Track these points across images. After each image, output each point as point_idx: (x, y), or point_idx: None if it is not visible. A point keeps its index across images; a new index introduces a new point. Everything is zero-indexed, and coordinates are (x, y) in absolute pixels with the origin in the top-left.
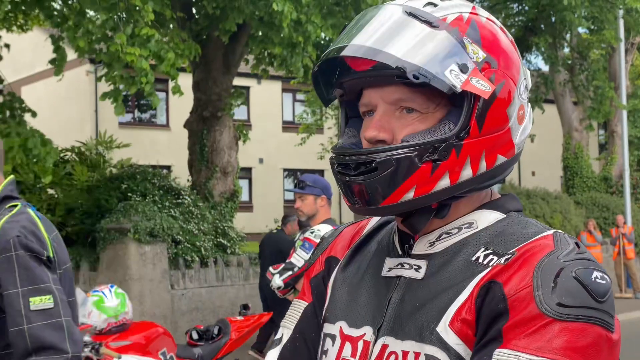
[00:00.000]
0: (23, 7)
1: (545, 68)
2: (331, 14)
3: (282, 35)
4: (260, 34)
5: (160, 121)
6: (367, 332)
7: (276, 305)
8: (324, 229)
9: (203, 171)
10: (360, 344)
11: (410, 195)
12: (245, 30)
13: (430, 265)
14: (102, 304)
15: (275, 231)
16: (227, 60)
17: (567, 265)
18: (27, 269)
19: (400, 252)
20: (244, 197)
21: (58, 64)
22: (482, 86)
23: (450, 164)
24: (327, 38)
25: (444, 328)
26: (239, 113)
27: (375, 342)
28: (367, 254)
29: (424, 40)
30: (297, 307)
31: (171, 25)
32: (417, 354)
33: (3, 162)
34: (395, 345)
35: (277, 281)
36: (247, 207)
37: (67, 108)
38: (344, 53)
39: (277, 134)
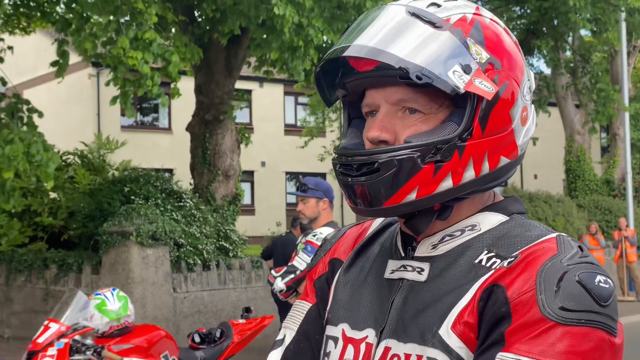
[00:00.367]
0: (26, 10)
1: (547, 71)
2: (333, 18)
3: (282, 39)
4: (262, 37)
5: (163, 124)
6: (370, 334)
7: (289, 308)
8: (326, 232)
9: (205, 174)
10: (362, 347)
11: (412, 196)
12: (247, 34)
13: (433, 267)
14: (104, 307)
15: (284, 234)
16: (229, 64)
17: (570, 269)
18: None
19: (403, 255)
20: (246, 200)
21: (60, 67)
22: (485, 87)
23: (453, 165)
24: (329, 41)
25: (446, 331)
26: (241, 116)
27: (377, 344)
28: (370, 255)
29: (427, 40)
30: (300, 308)
31: (173, 29)
32: (419, 357)
33: None
34: (398, 347)
35: (280, 284)
36: (249, 210)
37: (69, 111)
38: (346, 53)
39: (279, 137)
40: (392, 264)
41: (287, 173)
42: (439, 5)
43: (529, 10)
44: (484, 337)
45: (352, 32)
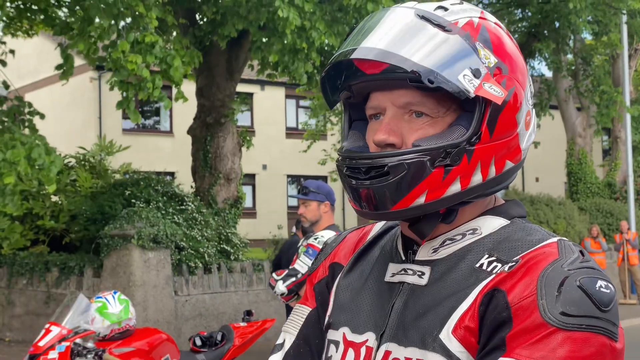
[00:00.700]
0: (28, 14)
1: (548, 74)
2: (334, 21)
3: (285, 42)
4: (262, 40)
5: (164, 127)
6: (370, 338)
7: None
8: (327, 235)
9: (206, 177)
10: (363, 350)
11: (421, 200)
12: (248, 37)
13: (433, 271)
14: (106, 310)
15: (290, 238)
16: (231, 67)
17: (571, 274)
18: None
19: (403, 258)
20: (248, 203)
21: (66, 71)
22: (494, 92)
23: (461, 169)
24: (330, 44)
25: (446, 335)
26: (243, 119)
27: (378, 348)
28: (370, 259)
29: (437, 44)
30: (300, 313)
31: (174, 33)
32: None
33: None
34: (398, 351)
35: (281, 287)
36: (251, 213)
37: (70, 115)
38: (354, 56)
39: (280, 140)
40: (392, 268)
41: (288, 176)
42: (446, 9)
43: (530, 13)
44: (485, 342)
45: (358, 34)
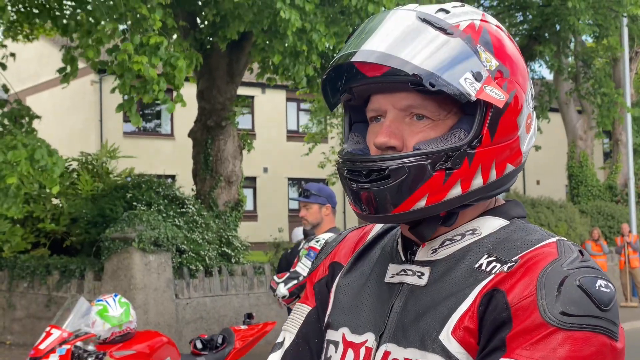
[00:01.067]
0: (34, 19)
1: (549, 77)
2: (335, 23)
3: (286, 44)
4: (264, 42)
5: (165, 130)
6: (369, 338)
7: None
8: (328, 238)
9: (207, 180)
10: (362, 351)
11: (422, 203)
12: (249, 39)
13: (433, 272)
14: (106, 313)
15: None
16: (231, 70)
17: (571, 273)
18: None
19: (403, 259)
20: (249, 206)
21: (69, 73)
22: (496, 95)
23: (462, 173)
24: (330, 47)
25: (446, 336)
26: (243, 122)
27: (377, 348)
28: (370, 259)
29: (438, 47)
30: (300, 312)
31: (175, 35)
32: None
33: None
34: (398, 352)
35: (282, 290)
36: (252, 216)
37: (71, 118)
38: (355, 58)
39: (281, 143)
40: (392, 268)
41: (289, 179)
42: (447, 12)
43: (530, 16)
44: (485, 342)
45: (359, 37)
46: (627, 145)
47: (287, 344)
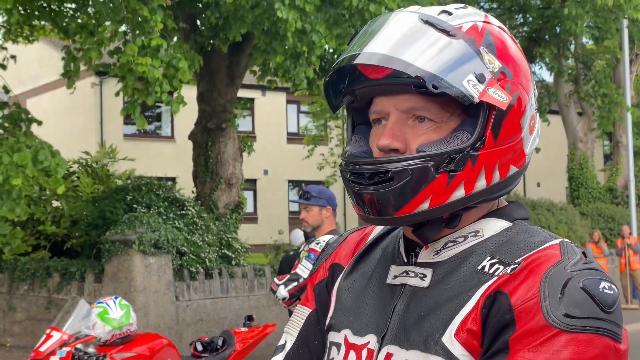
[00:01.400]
0: (36, 20)
1: (549, 79)
2: (336, 24)
3: (286, 45)
4: (264, 44)
5: (165, 133)
6: (371, 340)
7: None
8: (329, 240)
9: (208, 183)
10: (364, 353)
11: (425, 205)
12: (249, 41)
13: (435, 273)
14: (107, 316)
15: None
16: (232, 72)
17: (574, 275)
18: None
19: (405, 260)
20: (249, 208)
21: (72, 75)
22: (499, 97)
23: (465, 175)
24: (330, 50)
25: (449, 338)
26: (244, 124)
27: (379, 350)
28: (372, 261)
29: (441, 49)
30: (301, 314)
31: (175, 38)
32: None
33: None
34: (400, 354)
35: (282, 292)
36: (252, 218)
37: (72, 120)
38: (357, 61)
39: (281, 145)
40: (394, 270)
41: (289, 181)
42: (450, 13)
43: (531, 18)
44: (488, 344)
45: (362, 39)
46: (627, 147)
47: (288, 346)
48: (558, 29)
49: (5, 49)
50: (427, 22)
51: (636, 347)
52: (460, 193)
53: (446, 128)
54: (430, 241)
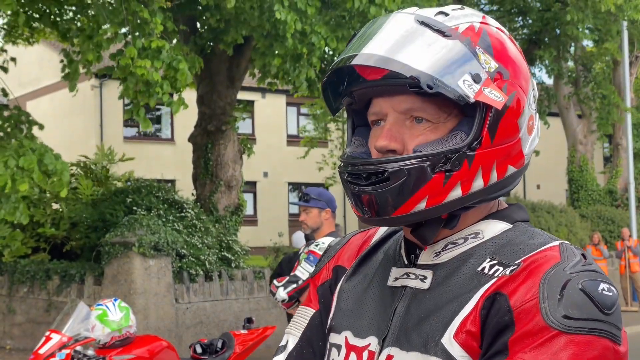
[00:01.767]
0: (36, 22)
1: (549, 81)
2: (336, 26)
3: (286, 46)
4: (264, 46)
5: (165, 135)
6: (372, 342)
7: None
8: (328, 242)
9: (207, 185)
10: (365, 354)
11: (422, 205)
12: (250, 44)
13: (436, 275)
14: (106, 318)
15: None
16: (232, 74)
17: (573, 277)
18: None
19: (406, 262)
20: (249, 210)
21: (72, 79)
22: (495, 97)
23: (462, 175)
24: (330, 52)
25: (448, 340)
26: (244, 127)
27: (380, 352)
28: (373, 263)
29: (437, 49)
30: (304, 314)
31: (175, 40)
32: None
33: None
34: (400, 356)
35: (282, 294)
36: (252, 220)
37: (72, 123)
38: (355, 62)
39: (281, 147)
40: (395, 272)
41: (289, 184)
42: (447, 14)
43: (530, 21)
44: (487, 346)
45: (359, 40)
46: (627, 150)
47: (290, 346)
48: (558, 32)
49: (5, 51)
50: (423, 23)
51: (636, 349)
52: (457, 193)
53: (443, 128)
54: (429, 242)
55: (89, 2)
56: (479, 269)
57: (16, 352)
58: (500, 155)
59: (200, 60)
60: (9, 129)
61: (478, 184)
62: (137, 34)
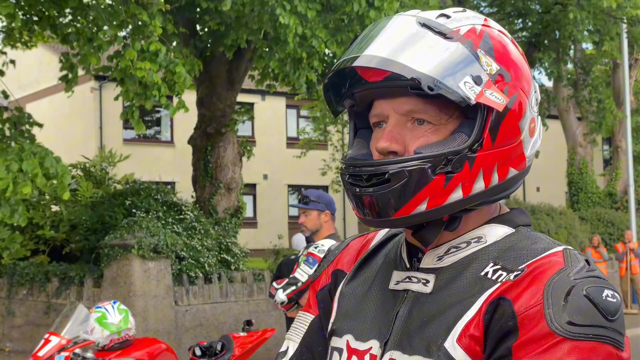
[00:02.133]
0: (35, 26)
1: (548, 84)
2: (336, 30)
3: (287, 50)
4: (264, 49)
5: (165, 137)
6: (374, 345)
7: None
8: (327, 244)
9: (207, 187)
10: (367, 358)
11: (422, 207)
12: (249, 46)
13: (438, 279)
14: (105, 320)
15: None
16: (231, 77)
17: (577, 283)
18: None
19: (408, 266)
20: (248, 213)
21: (70, 80)
22: (496, 99)
23: (463, 177)
24: (331, 54)
25: (451, 344)
26: (243, 129)
27: (382, 356)
28: (374, 267)
29: (438, 51)
30: (303, 320)
31: (175, 42)
32: None
33: None
34: (403, 359)
35: (281, 296)
36: (252, 223)
37: (71, 125)
38: (356, 63)
39: (281, 150)
40: (397, 275)
41: (289, 186)
42: (448, 17)
43: (530, 23)
44: (491, 351)
45: (361, 42)
46: (627, 152)
47: (290, 352)
48: (557, 34)
49: (5, 53)
50: (424, 26)
51: (636, 352)
52: (458, 195)
53: (445, 130)
54: (430, 244)
55: (88, 4)
56: (482, 273)
57: (15, 355)
58: (501, 158)
59: (200, 63)
60: (8, 132)
61: (479, 186)
62: (136, 36)
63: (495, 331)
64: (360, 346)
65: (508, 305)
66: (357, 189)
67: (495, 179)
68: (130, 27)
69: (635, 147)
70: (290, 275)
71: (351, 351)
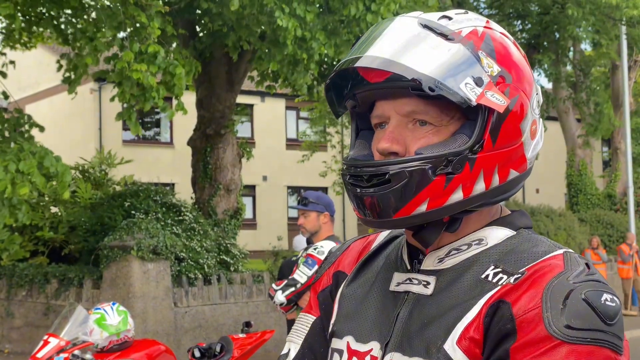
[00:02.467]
0: (36, 26)
1: (547, 85)
2: (335, 33)
3: (285, 52)
4: (264, 51)
5: (164, 139)
6: (375, 347)
7: None
8: (327, 246)
9: (206, 189)
10: (367, 359)
11: (423, 208)
12: (249, 48)
13: (439, 281)
14: (104, 322)
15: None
16: (231, 78)
17: (576, 287)
18: None
19: (409, 267)
20: (248, 214)
21: (73, 81)
22: (497, 100)
23: (463, 178)
24: (329, 55)
25: (451, 346)
26: (243, 130)
27: (382, 357)
28: (374, 268)
29: (439, 52)
30: (305, 322)
31: (174, 44)
32: None
33: None
34: None
35: (280, 297)
36: (251, 224)
37: (71, 126)
38: (358, 64)
39: (280, 151)
40: (397, 277)
41: (288, 187)
42: (450, 18)
43: (529, 25)
44: (489, 353)
45: (363, 44)
46: (626, 154)
47: (292, 354)
48: (557, 35)
49: (4, 54)
50: (426, 27)
51: (636, 354)
52: (458, 196)
53: (446, 131)
54: (431, 245)
55: (88, 4)
56: (483, 276)
57: (14, 356)
58: (502, 159)
59: (199, 64)
60: (7, 133)
61: (479, 187)
62: (134, 38)
63: (494, 334)
64: (361, 347)
65: (507, 308)
66: (358, 190)
67: (495, 180)
68: (128, 29)
69: (634, 148)
70: (290, 277)
71: (352, 352)
